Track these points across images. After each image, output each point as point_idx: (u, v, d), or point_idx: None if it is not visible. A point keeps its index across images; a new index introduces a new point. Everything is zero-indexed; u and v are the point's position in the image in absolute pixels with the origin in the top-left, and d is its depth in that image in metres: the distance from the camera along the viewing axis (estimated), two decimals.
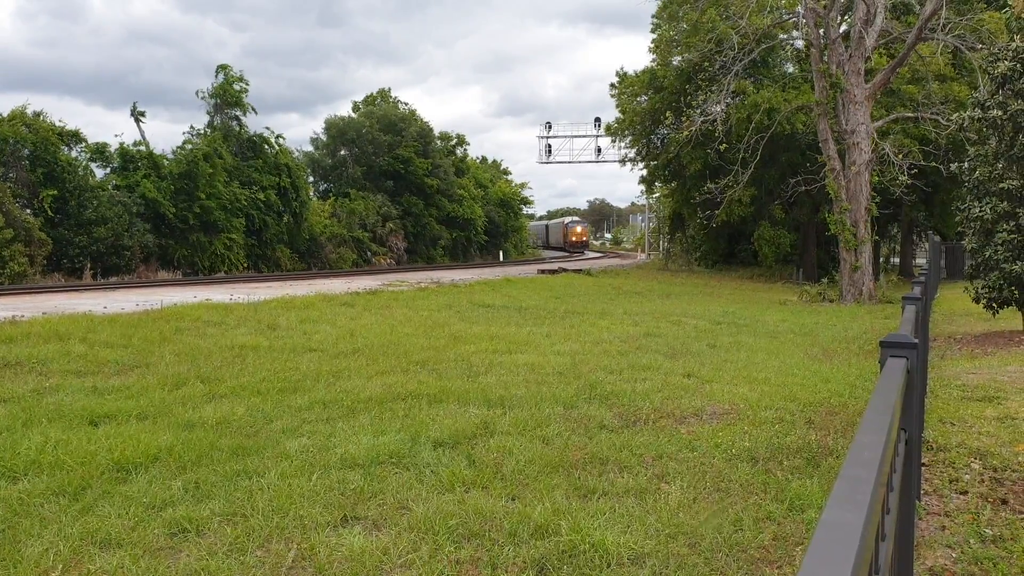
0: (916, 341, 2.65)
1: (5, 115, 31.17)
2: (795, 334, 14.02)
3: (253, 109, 41.62)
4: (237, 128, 41.09)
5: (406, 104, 56.39)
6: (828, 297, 23.48)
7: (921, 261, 48.23)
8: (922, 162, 24.82)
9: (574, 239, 78.97)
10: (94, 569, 3.80)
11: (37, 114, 32.17)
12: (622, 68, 41.85)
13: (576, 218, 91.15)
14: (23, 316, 11.84)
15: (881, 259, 45.50)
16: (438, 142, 57.51)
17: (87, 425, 6.28)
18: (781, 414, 7.10)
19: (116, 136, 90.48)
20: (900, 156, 23.63)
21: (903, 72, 26.25)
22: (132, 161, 34.55)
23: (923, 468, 5.53)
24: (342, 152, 52.16)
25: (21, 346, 9.32)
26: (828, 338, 13.56)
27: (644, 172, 43.49)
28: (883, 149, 23.35)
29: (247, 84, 40.87)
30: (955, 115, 23.12)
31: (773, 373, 9.37)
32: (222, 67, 40.52)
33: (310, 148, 53.03)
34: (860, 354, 11.53)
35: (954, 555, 4.23)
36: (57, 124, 32.56)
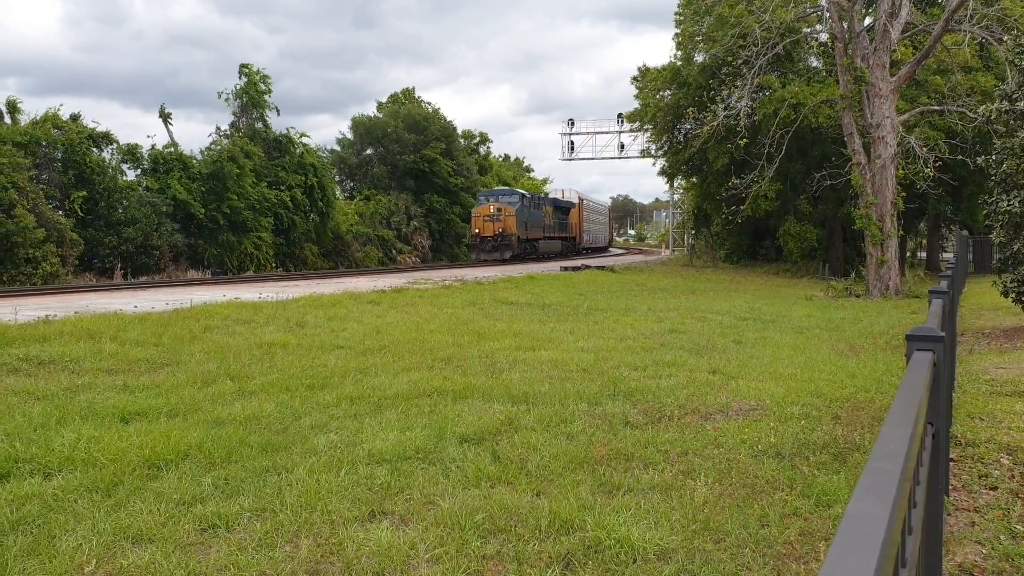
0: (943, 335, 2.64)
1: (39, 118, 31.62)
2: (821, 329, 13.92)
3: (277, 109, 41.87)
4: (263, 128, 41.38)
5: (430, 103, 56.55)
6: (854, 292, 23.26)
7: (948, 255, 47.68)
8: (948, 155, 24.52)
9: None
10: (126, 564, 3.86)
11: (74, 117, 32.59)
12: (643, 64, 41.65)
13: None
14: (56, 315, 12.01)
15: (908, 254, 45.01)
16: (461, 140, 57.67)
17: (118, 422, 6.37)
18: (807, 410, 7.07)
19: (149, 137, 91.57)
20: (926, 149, 23.35)
21: (928, 64, 25.91)
22: (163, 163, 34.93)
23: (951, 463, 5.49)
24: (367, 151, 52.44)
25: (54, 345, 9.46)
26: (854, 333, 13.45)
27: (664, 164, 43.32)
28: (909, 142, 23.09)
29: (271, 84, 41.12)
30: (982, 107, 22.82)
31: (799, 369, 9.32)
32: (244, 67, 40.74)
33: (337, 148, 53.36)
34: (887, 349, 11.43)
35: (984, 551, 4.20)
36: (89, 126, 32.97)
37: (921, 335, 2.56)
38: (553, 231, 49.03)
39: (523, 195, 43.32)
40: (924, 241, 52.08)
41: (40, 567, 3.81)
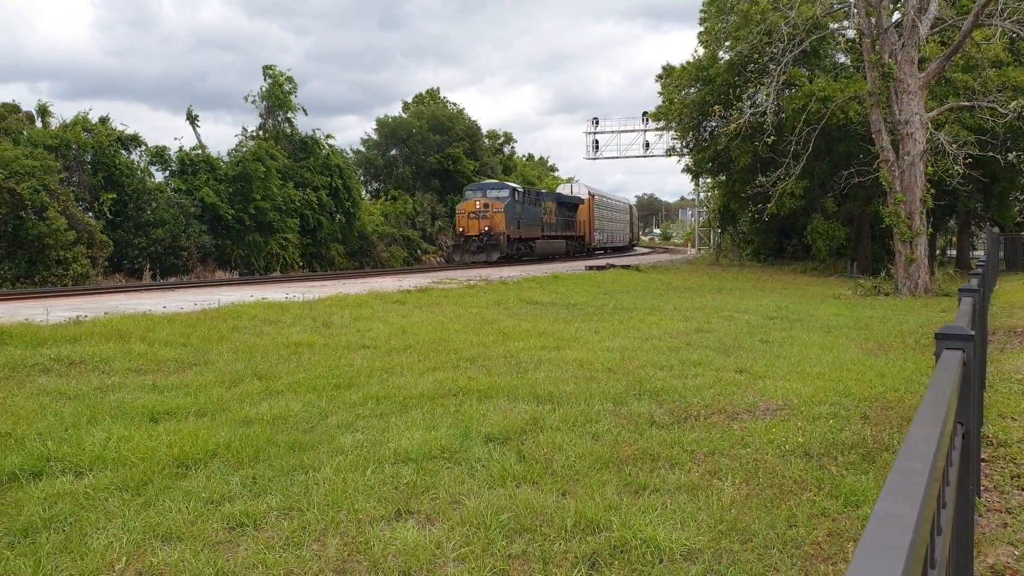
0: (972, 333, 2.61)
1: (69, 121, 32.08)
2: (849, 328, 13.79)
3: (303, 110, 42.13)
4: (288, 129, 41.68)
5: (455, 104, 56.75)
6: (883, 290, 23.01)
7: (979, 253, 47.03)
8: (979, 152, 24.18)
9: None
10: (156, 562, 3.90)
11: (103, 120, 33.03)
12: (668, 62, 41.52)
13: None
14: (86, 316, 12.17)
15: (937, 251, 44.45)
16: (486, 140, 57.81)
17: (148, 422, 6.45)
18: (835, 409, 7.01)
19: (176, 139, 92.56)
20: (956, 146, 23.05)
21: (957, 60, 25.58)
22: (190, 164, 35.30)
23: (983, 464, 5.42)
24: (392, 152, 52.72)
25: (85, 345, 9.59)
26: (883, 332, 13.32)
27: (689, 162, 43.11)
28: (938, 139, 22.80)
29: (295, 85, 41.37)
30: (1013, 103, 22.47)
31: (827, 368, 9.24)
32: (268, 68, 41.02)
33: (362, 148, 53.70)
34: (916, 348, 11.30)
35: (1017, 553, 4.14)
36: (118, 128, 33.39)
37: (951, 333, 2.53)
38: (555, 229, 45.07)
39: (515, 189, 39.53)
40: (954, 239, 51.41)
41: (72, 564, 3.86)
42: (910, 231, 22.39)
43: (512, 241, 37.94)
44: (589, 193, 53.16)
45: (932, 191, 23.27)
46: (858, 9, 23.71)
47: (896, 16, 25.71)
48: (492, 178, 51.16)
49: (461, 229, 37.45)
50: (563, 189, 55.54)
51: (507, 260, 37.45)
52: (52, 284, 25.63)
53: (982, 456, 5.51)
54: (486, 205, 37.07)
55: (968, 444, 2.60)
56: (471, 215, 37.13)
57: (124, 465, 5.29)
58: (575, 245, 49.23)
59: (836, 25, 30.01)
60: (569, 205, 48.66)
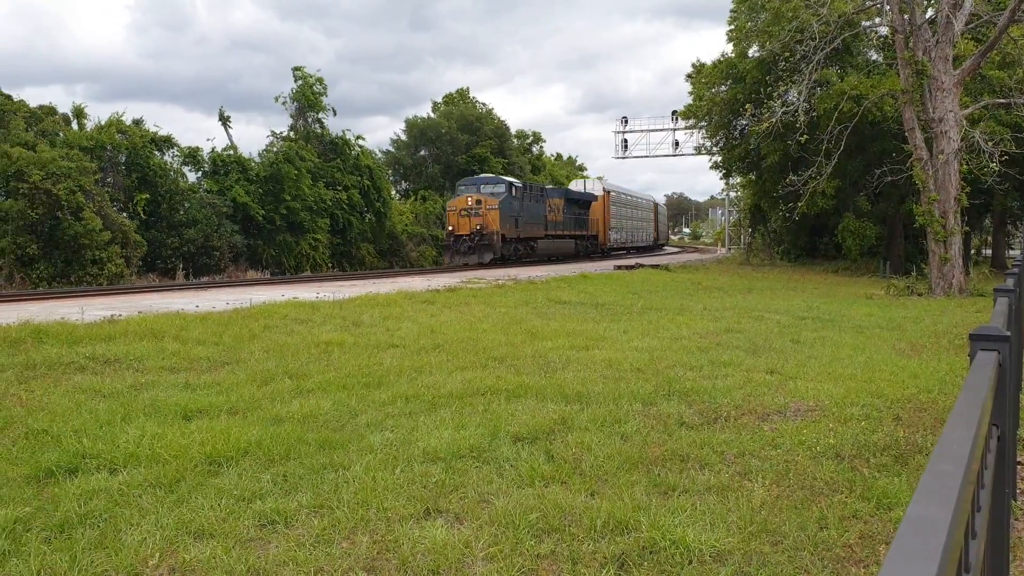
0: (1008, 334, 2.57)
1: (103, 123, 32.57)
2: (882, 329, 13.63)
3: (333, 110, 42.41)
4: (319, 130, 41.98)
5: (484, 104, 56.89)
6: (916, 290, 22.72)
7: (1015, 252, 46.29)
8: (1015, 149, 23.80)
9: None
10: (188, 558, 3.95)
11: (137, 122, 33.50)
12: (698, 60, 41.28)
13: None
14: (120, 315, 12.35)
15: (972, 251, 43.81)
16: (514, 140, 57.87)
17: (181, 420, 6.52)
18: (867, 411, 6.93)
19: (208, 140, 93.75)
20: (991, 144, 22.69)
21: (993, 56, 25.16)
22: (222, 165, 35.70)
23: (1020, 467, 5.33)
24: (422, 152, 52.96)
25: (119, 344, 9.73)
26: (916, 332, 13.15)
27: (719, 159, 42.84)
28: (973, 137, 22.46)
29: (324, 86, 41.66)
30: None
31: (859, 369, 9.14)
32: (297, 69, 41.35)
33: (391, 149, 54.01)
34: (950, 349, 11.15)
35: None
36: (151, 130, 33.84)
37: (986, 334, 2.50)
38: (562, 228, 41.95)
39: (512, 184, 36.41)
40: (989, 238, 50.63)
41: (107, 560, 3.92)
42: (944, 230, 22.07)
43: (508, 241, 35.12)
44: (604, 189, 50.25)
45: (967, 190, 22.94)
46: (891, 6, 23.41)
47: (930, 13, 25.34)
48: (521, 177, 50.89)
49: (451, 228, 34.36)
50: (576, 185, 52.00)
51: (503, 262, 34.62)
52: (87, 283, 26.04)
53: (1018, 459, 5.42)
54: (479, 201, 34.08)
55: (1003, 447, 2.56)
56: (462, 212, 34.18)
57: (157, 462, 5.36)
58: (587, 245, 46.40)
59: (868, 22, 29.68)
60: (580, 202, 45.61)
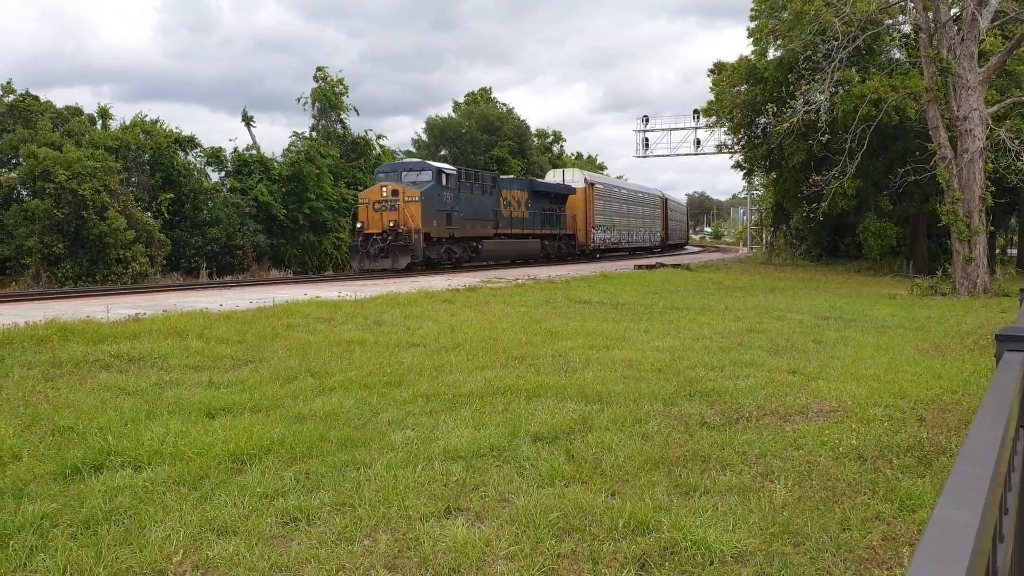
0: None
1: (128, 123, 32.90)
2: (905, 329, 13.51)
3: (355, 110, 42.58)
4: (340, 130, 42.17)
5: (504, 104, 56.91)
6: (940, 290, 22.51)
7: None
8: None
9: None
10: (212, 555, 3.98)
11: (155, 121, 33.81)
12: (718, 59, 41.16)
13: None
14: (145, 314, 12.46)
15: (997, 250, 43.30)
16: (535, 139, 57.84)
17: (204, 417, 6.57)
18: (890, 411, 6.87)
19: (231, 140, 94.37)
20: (1017, 142, 22.43)
21: (1019, 53, 24.88)
22: (245, 165, 35.95)
23: None
24: (442, 152, 53.05)
25: (143, 342, 9.82)
26: (940, 333, 13.02)
27: (740, 158, 42.67)
28: (999, 135, 22.21)
29: (346, 86, 41.85)
30: None
31: (882, 369, 9.07)
32: (319, 70, 41.55)
33: (412, 149, 54.16)
34: (975, 349, 11.03)
35: None
36: (174, 130, 34.13)
37: (1012, 335, 2.48)
38: (524, 225, 35.17)
39: (442, 171, 29.28)
40: (1015, 237, 50.03)
41: (131, 556, 3.96)
42: (968, 230, 21.85)
43: (437, 241, 28.52)
44: (586, 181, 42.70)
45: (992, 189, 22.69)
46: (915, 3, 23.20)
47: (955, 10, 25.08)
48: (540, 176, 50.43)
49: (360, 224, 27.63)
50: (553, 177, 44.35)
51: (428, 267, 28.53)
52: (112, 282, 26.31)
53: None
54: (395, 192, 27.28)
55: None
56: (375, 206, 27.45)
57: (181, 460, 5.41)
58: (559, 246, 39.43)
59: (891, 21, 29.41)
60: (551, 196, 38.55)
